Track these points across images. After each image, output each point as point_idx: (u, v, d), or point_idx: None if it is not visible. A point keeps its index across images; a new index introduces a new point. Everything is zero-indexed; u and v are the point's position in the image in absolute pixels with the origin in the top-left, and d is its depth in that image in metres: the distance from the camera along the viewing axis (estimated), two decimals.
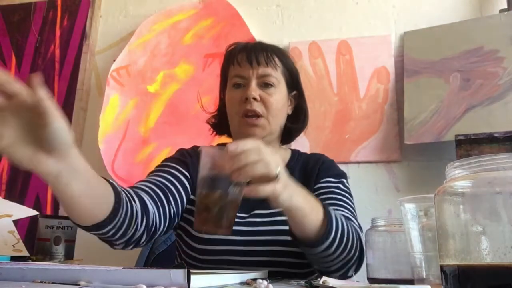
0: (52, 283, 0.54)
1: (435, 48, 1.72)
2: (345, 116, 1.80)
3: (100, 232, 0.73)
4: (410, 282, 0.69)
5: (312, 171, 1.06)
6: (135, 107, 2.03)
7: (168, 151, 1.92)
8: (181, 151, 1.08)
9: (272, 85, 1.02)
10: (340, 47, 1.87)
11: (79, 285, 0.52)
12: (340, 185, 1.03)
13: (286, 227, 0.95)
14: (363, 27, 1.88)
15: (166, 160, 1.05)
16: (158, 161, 1.97)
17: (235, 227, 0.93)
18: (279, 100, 1.02)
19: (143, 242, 0.86)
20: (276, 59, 1.04)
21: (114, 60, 2.08)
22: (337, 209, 0.94)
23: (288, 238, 0.92)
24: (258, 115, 0.99)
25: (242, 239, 0.95)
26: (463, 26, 1.70)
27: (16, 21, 2.31)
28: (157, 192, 0.91)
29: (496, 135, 1.41)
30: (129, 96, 2.04)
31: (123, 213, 0.75)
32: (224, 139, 1.18)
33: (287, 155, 1.12)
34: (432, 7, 1.82)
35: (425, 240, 0.66)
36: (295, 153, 1.13)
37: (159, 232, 0.90)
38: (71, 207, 0.66)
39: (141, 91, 2.04)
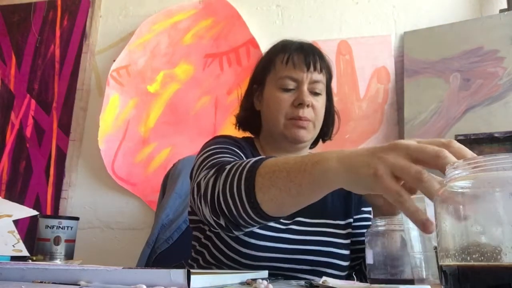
0: (52, 283, 0.54)
1: (435, 48, 1.72)
2: (345, 116, 1.79)
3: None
4: (410, 282, 0.69)
5: None
6: (135, 107, 2.03)
7: (168, 151, 1.92)
8: (227, 139, 0.99)
9: (319, 93, 1.01)
10: (340, 47, 1.87)
11: (79, 285, 0.52)
12: None
13: (328, 238, 0.96)
14: (363, 27, 1.88)
15: (219, 142, 0.95)
16: (158, 161, 2.00)
17: (278, 234, 0.92)
18: (323, 108, 1.02)
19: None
20: (325, 66, 1.03)
21: (114, 60, 2.08)
22: None
23: (330, 249, 0.94)
24: (308, 120, 0.98)
25: (286, 247, 0.93)
26: (463, 26, 1.70)
27: (16, 21, 2.31)
28: None
29: (496, 135, 1.41)
30: (129, 96, 2.05)
31: None
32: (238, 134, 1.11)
33: None
34: (432, 7, 1.82)
35: (425, 240, 0.66)
36: None
37: None
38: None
39: (141, 91, 2.04)
